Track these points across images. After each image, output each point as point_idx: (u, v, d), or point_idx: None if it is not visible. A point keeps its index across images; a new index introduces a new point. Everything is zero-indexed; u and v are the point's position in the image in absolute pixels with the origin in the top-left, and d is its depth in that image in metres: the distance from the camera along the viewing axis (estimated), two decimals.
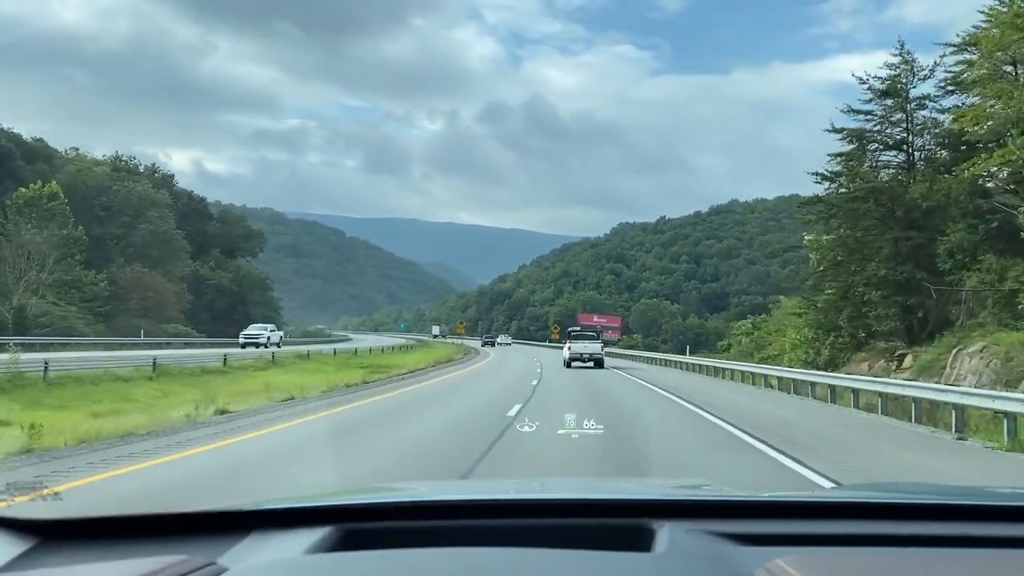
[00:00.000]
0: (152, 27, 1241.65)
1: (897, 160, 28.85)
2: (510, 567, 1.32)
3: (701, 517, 1.56)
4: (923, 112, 27.89)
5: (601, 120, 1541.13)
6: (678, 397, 19.46)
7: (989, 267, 22.58)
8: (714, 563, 1.34)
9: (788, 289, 67.11)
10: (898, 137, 28.37)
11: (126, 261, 58.96)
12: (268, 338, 46.90)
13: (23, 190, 51.19)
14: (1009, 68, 23.23)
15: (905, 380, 18.14)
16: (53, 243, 48.66)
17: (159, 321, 55.03)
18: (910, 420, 14.11)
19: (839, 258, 29.09)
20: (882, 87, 27.79)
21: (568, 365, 34.28)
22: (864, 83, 27.98)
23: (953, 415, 12.48)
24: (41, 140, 70.56)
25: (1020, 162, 20.74)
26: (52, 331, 40.70)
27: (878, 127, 28.43)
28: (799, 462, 9.09)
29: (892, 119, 28.16)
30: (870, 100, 28.15)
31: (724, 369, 31.30)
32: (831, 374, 20.53)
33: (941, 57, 26.35)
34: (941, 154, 27.67)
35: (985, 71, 23.38)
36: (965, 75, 25.35)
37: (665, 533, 1.45)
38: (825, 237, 30.32)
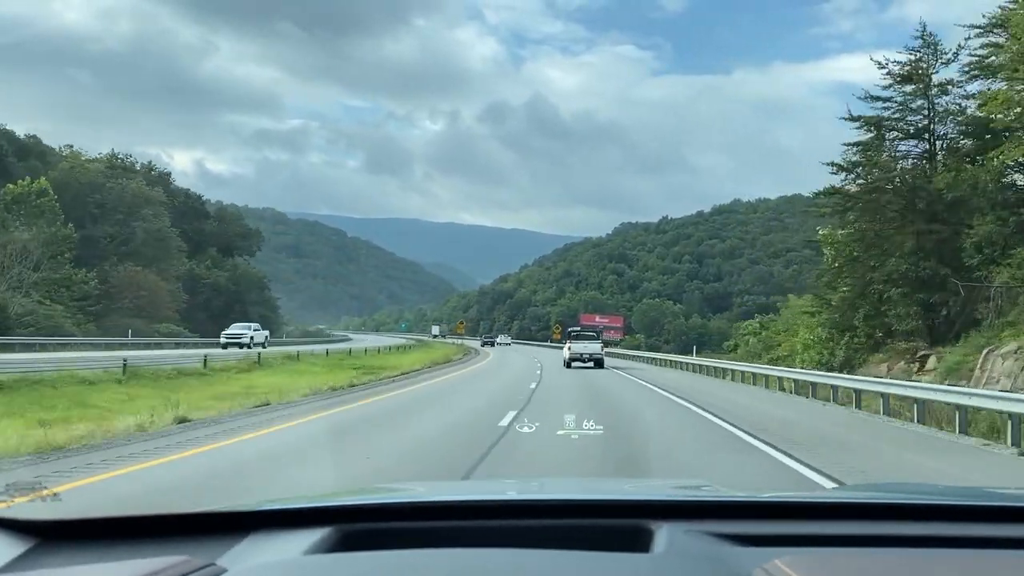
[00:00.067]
0: (153, 27, 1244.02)
1: (917, 149, 27.31)
2: (509, 568, 1.32)
3: (699, 518, 1.55)
4: (945, 98, 26.33)
5: (603, 120, 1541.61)
6: (690, 403, 17.99)
7: (1021, 261, 21.10)
8: (712, 563, 1.33)
9: (791, 289, 66.23)
10: (919, 125, 26.80)
11: (119, 259, 57.73)
12: (251, 338, 44.29)
13: (11, 186, 50.10)
14: None
15: (941, 384, 16.66)
16: (42, 240, 47.57)
17: (152, 321, 53.84)
18: (954, 430, 12.58)
19: (855, 253, 27.60)
20: (902, 72, 26.19)
21: (568, 365, 34.20)
22: (883, 67, 26.45)
23: (1009, 425, 10.94)
24: (34, 137, 69.70)
25: None
26: (36, 330, 39.31)
27: (897, 114, 26.87)
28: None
29: (912, 106, 26.59)
30: (889, 86, 26.60)
31: (734, 371, 29.85)
32: (857, 377, 19.01)
33: (965, 40, 24.78)
34: (964, 143, 26.14)
35: (1013, 53, 21.89)
36: (991, 58, 23.87)
37: (663, 534, 1.45)
38: (840, 231, 28.86)
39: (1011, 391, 13.58)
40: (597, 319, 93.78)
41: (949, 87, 26.04)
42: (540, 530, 1.55)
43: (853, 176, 27.52)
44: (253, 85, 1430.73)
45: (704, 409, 15.71)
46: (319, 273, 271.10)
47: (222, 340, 44.06)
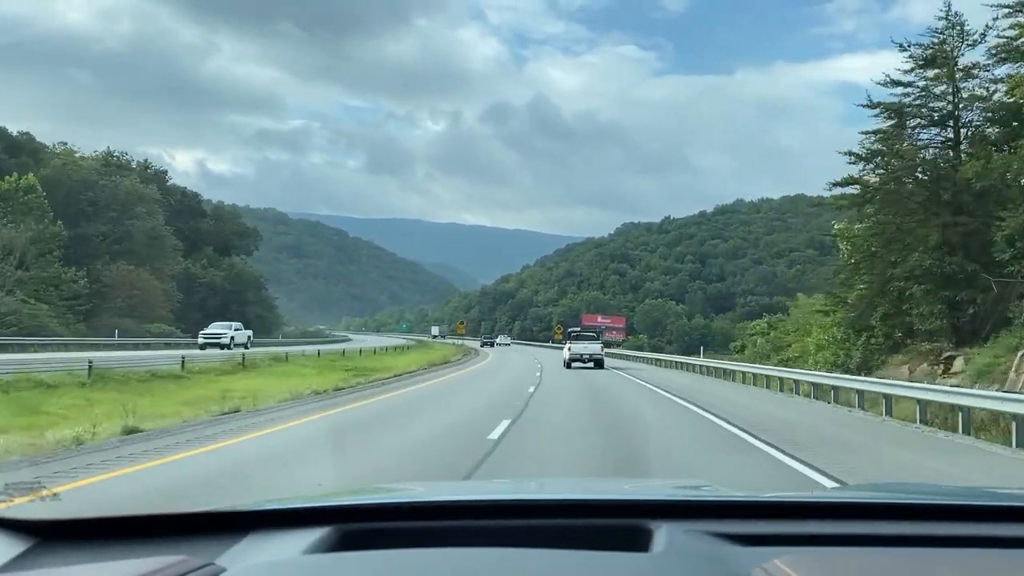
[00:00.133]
0: (153, 27, 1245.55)
1: (941, 138, 25.71)
2: (508, 567, 1.32)
3: (699, 517, 1.55)
4: (971, 83, 24.71)
5: (604, 120, 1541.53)
6: (709, 412, 16.53)
7: None
8: (712, 563, 1.33)
9: (795, 289, 64.85)
10: (943, 111, 25.22)
11: (112, 258, 56.43)
12: (232, 338, 42.28)
13: None
14: None
15: (975, 388, 15.18)
16: (29, 238, 46.29)
17: (145, 320, 52.49)
18: (1010, 443, 11.06)
19: (874, 248, 26.07)
20: (925, 55, 24.59)
21: (568, 366, 34.28)
22: (905, 50, 24.88)
23: None
24: (27, 134, 68.40)
25: None
26: (19, 330, 37.92)
27: (919, 101, 25.30)
28: None
29: (936, 91, 25.02)
30: (911, 70, 25.01)
31: (747, 373, 28.35)
32: (888, 381, 17.47)
33: (993, 20, 23.21)
34: (991, 130, 24.58)
35: None
36: (1022, 39, 22.35)
37: (663, 533, 1.45)
38: (858, 225, 27.34)
39: None
40: (599, 319, 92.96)
41: (975, 71, 24.47)
42: (539, 530, 1.54)
43: (872, 166, 25.99)
44: (254, 85, 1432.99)
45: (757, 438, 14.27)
46: (320, 273, 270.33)
47: (200, 340, 42.16)
